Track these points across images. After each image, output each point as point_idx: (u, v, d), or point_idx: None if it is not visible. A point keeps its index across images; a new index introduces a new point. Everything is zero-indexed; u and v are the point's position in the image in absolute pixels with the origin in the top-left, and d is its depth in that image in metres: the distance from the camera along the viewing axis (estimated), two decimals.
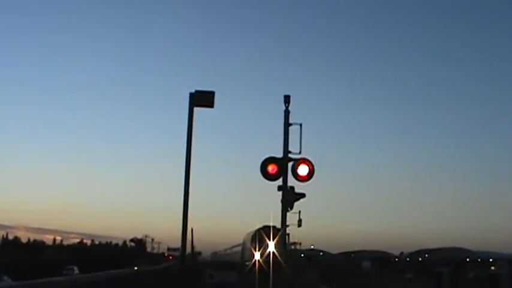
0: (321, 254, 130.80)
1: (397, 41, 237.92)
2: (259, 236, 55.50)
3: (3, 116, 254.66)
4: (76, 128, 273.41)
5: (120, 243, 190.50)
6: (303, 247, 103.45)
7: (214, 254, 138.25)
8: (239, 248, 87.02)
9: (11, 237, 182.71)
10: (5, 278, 49.93)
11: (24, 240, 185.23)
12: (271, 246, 46.78)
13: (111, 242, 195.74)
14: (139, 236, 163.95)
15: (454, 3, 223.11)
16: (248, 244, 66.08)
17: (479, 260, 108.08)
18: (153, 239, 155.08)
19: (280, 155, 20.95)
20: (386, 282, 67.97)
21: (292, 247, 78.01)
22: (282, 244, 46.04)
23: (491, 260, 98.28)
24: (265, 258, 44.71)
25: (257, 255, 48.11)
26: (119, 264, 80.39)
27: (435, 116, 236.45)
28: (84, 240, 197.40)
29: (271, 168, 20.78)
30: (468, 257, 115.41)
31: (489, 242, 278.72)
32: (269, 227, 48.90)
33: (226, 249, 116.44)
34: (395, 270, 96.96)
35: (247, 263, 60.66)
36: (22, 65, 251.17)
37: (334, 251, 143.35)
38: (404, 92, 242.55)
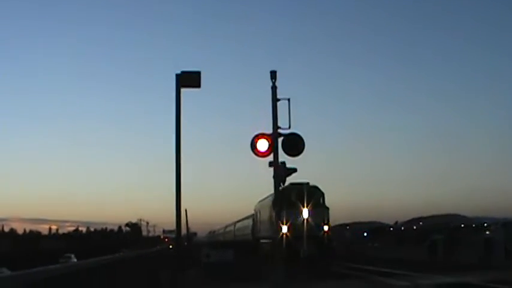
0: None
1: (385, 10, 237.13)
2: (287, 198, 39.15)
3: None
4: (66, 118, 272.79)
5: (116, 228, 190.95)
6: None
7: (212, 233, 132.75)
8: (248, 222, 65.13)
9: (6, 229, 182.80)
10: (4, 269, 49.94)
11: (20, 231, 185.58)
12: (305, 213, 39.54)
13: (106, 228, 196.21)
14: (134, 221, 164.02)
15: None
16: (266, 213, 47.67)
17: (473, 225, 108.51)
18: (148, 223, 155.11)
19: (270, 131, 20.92)
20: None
21: None
22: (318, 210, 40.98)
23: (485, 224, 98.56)
24: (297, 231, 38.89)
25: (284, 228, 36.91)
26: (115, 250, 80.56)
27: (426, 83, 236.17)
28: (80, 228, 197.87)
29: (262, 146, 20.72)
30: (463, 223, 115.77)
31: (483, 207, 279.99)
32: (300, 185, 41.29)
33: (226, 226, 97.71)
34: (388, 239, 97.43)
35: (263, 240, 46.93)
36: (7, 56, 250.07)
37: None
38: (391, 63, 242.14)
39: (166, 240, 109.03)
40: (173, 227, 20.16)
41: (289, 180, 22.31)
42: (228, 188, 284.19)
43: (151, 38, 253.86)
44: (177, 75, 18.93)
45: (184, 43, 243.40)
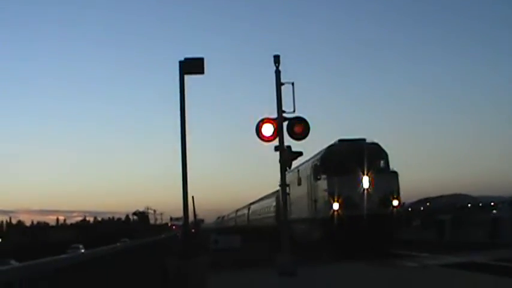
0: None
1: None
2: (337, 162, 30.54)
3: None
4: (71, 109, 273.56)
5: (123, 217, 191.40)
6: None
7: (220, 218, 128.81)
8: (269, 202, 51.23)
9: (14, 221, 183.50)
10: (12, 261, 50.03)
11: (28, 223, 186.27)
12: (366, 181, 29.19)
13: (113, 218, 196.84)
14: (141, 209, 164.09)
15: None
16: (302, 186, 35.06)
17: (480, 204, 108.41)
18: (155, 211, 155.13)
19: (274, 115, 20.92)
20: None
21: None
22: (383, 177, 29.86)
23: (492, 203, 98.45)
24: (354, 209, 28.67)
25: (335, 205, 28.68)
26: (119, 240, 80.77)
27: (434, 65, 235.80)
28: (87, 218, 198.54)
29: (267, 131, 20.70)
30: (470, 203, 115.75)
31: (490, 186, 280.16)
32: (356, 142, 31.33)
33: (238, 210, 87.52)
34: None
35: (300, 226, 34.78)
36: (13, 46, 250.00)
37: None
38: (394, 48, 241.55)
39: (174, 227, 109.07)
40: (180, 214, 20.15)
41: (295, 163, 22.16)
42: (234, 174, 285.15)
43: (154, 26, 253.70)
44: (180, 62, 18.85)
45: (187, 30, 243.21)
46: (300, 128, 20.58)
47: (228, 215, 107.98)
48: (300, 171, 35.41)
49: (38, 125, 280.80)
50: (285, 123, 20.70)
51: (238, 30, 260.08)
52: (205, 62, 18.63)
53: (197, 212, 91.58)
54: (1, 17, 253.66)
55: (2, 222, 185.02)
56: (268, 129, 20.51)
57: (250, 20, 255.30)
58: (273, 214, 46.07)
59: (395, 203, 29.45)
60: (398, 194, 29.92)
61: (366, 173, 28.85)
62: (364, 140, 31.34)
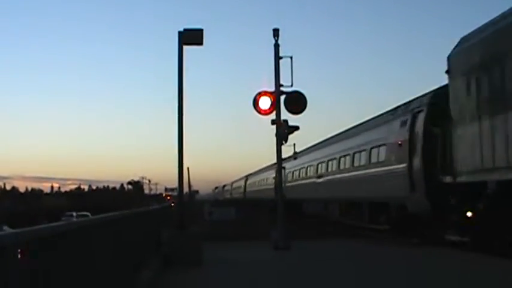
0: None
1: None
2: None
3: None
4: (68, 77, 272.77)
5: (118, 186, 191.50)
6: None
7: (219, 189, 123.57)
8: (353, 143, 28.74)
9: (8, 187, 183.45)
10: (5, 227, 50.20)
11: (22, 189, 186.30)
12: None
13: (108, 186, 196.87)
14: (136, 179, 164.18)
15: None
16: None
17: None
18: (150, 181, 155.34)
19: (272, 88, 20.93)
20: None
21: None
22: None
23: None
24: None
25: None
26: (117, 208, 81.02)
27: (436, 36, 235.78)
28: (82, 186, 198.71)
29: (264, 104, 20.75)
30: None
31: None
32: None
33: (248, 177, 74.32)
34: None
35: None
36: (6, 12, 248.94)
37: None
38: (395, 23, 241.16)
39: (168, 198, 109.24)
40: (175, 184, 20.19)
41: (291, 137, 21.99)
42: (230, 147, 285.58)
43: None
44: (179, 32, 18.80)
45: (187, 1, 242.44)
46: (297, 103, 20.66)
47: (233, 183, 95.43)
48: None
49: (34, 91, 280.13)
50: (283, 97, 20.71)
51: (238, 2, 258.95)
52: (204, 34, 18.59)
53: (192, 183, 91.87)
54: None
55: None
56: (265, 103, 20.60)
57: None
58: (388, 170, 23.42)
59: None
60: None
61: None
62: None
